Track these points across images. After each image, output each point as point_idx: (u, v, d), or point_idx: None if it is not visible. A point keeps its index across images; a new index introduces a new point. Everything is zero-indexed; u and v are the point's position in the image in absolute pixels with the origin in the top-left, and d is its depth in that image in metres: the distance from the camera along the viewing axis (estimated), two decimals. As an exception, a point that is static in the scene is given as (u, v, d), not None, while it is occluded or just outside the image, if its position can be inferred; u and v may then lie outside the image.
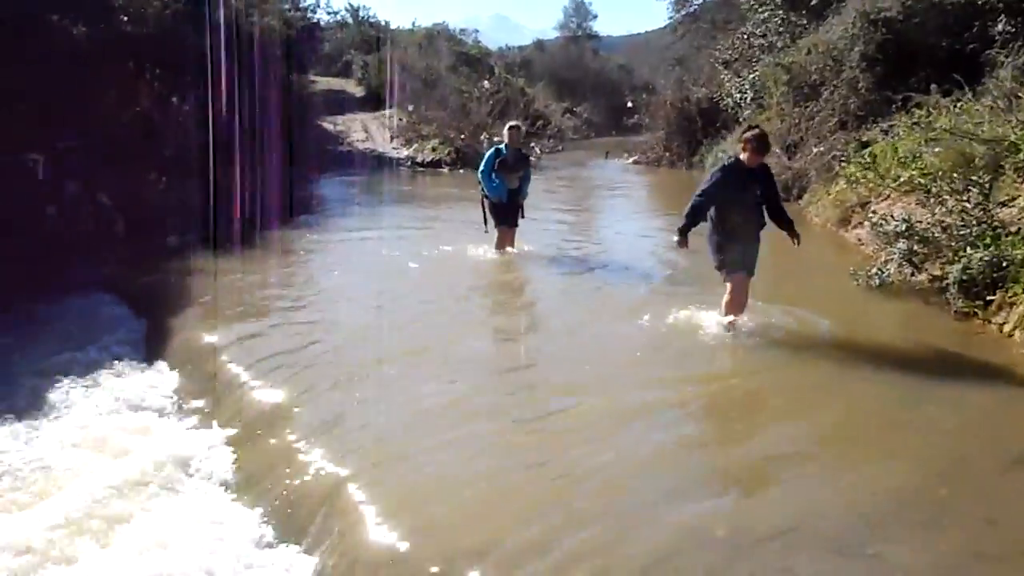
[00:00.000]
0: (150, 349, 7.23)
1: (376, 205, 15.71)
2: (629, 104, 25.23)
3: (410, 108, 25.37)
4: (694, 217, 6.32)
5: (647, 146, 22.84)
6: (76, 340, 7.25)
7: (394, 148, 24.25)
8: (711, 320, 6.54)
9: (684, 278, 8.45)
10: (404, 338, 6.68)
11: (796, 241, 6.48)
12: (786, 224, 6.53)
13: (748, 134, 6.36)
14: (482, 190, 9.37)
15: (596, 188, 18.98)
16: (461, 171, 21.57)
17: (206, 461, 5.08)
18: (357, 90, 30.96)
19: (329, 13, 39.65)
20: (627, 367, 5.98)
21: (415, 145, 23.70)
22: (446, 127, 23.28)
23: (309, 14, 29.83)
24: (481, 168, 9.31)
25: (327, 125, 25.40)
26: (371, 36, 38.16)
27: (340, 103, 28.27)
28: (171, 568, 3.86)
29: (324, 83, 31.12)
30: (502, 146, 9.29)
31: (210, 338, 6.91)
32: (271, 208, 12.47)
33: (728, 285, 6.40)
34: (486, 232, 9.49)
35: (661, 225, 11.93)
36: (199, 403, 6.01)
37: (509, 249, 9.50)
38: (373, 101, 28.17)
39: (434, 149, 23.01)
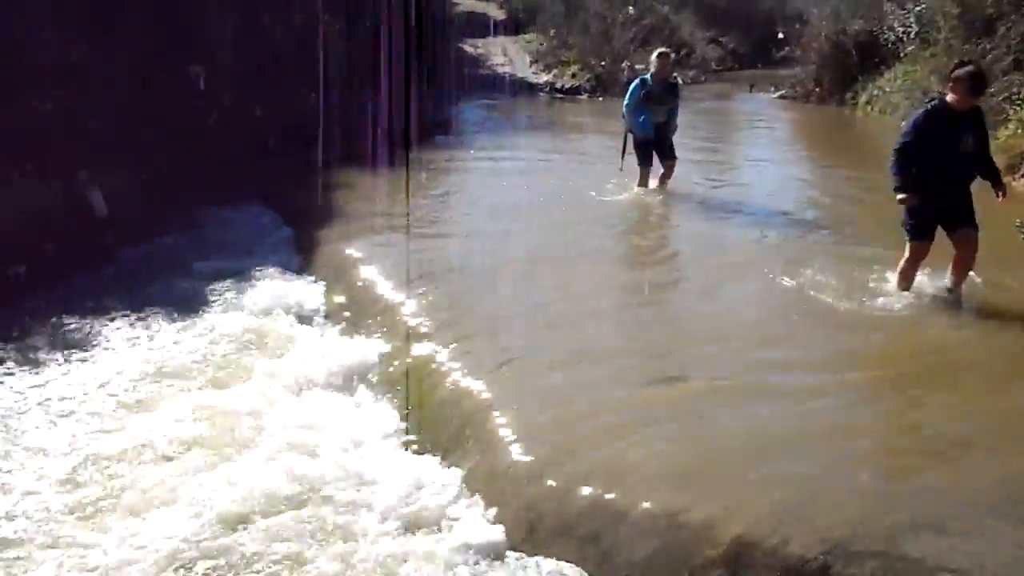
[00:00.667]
0: (299, 258, 7.57)
1: (515, 129, 15.71)
2: (780, 35, 24.05)
3: (551, 33, 25.03)
4: (902, 172, 5.42)
5: (796, 80, 21.80)
6: (232, 246, 7.71)
7: (533, 73, 24.06)
8: (881, 286, 5.82)
9: (849, 231, 7.66)
10: (534, 271, 6.70)
11: (1001, 195, 5.54)
12: (993, 175, 5.60)
13: (960, 71, 5.31)
14: (625, 125, 8.70)
15: (740, 122, 18.35)
16: (600, 99, 21.27)
17: (349, 367, 5.35)
18: (499, 13, 30.72)
19: (474, -66, 39.35)
20: (773, 342, 5.22)
21: (555, 71, 23.44)
22: (587, 53, 22.86)
23: (455, -65, 29.70)
24: (625, 101, 8.61)
25: (468, 48, 25.42)
26: (515, -42, 37.67)
27: (482, 26, 28.16)
28: (321, 467, 4.11)
29: (467, 5, 31.03)
30: (647, 76, 8.58)
31: (354, 251, 7.17)
32: (413, 127, 12.69)
33: (907, 250, 5.65)
34: (620, 170, 8.78)
35: (814, 168, 11.33)
36: (345, 313, 6.29)
37: (652, 186, 8.85)
38: (514, 25, 27.95)
39: (574, 75, 22.69)
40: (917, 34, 16.91)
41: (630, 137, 8.67)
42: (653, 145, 8.62)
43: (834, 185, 9.96)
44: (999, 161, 10.01)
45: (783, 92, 21.79)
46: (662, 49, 9.04)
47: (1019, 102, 10.88)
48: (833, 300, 5.69)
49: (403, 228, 7.64)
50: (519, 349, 5.05)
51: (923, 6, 16.47)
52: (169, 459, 4.26)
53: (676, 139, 8.95)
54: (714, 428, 4.07)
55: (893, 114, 16.21)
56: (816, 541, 3.15)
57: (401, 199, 8.70)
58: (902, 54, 18.43)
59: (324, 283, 6.86)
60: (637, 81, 8.58)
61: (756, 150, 12.90)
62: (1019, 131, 10.05)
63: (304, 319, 6.24)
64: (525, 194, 9.25)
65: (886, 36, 18.95)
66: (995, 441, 3.90)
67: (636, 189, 8.83)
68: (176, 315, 6.16)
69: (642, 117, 8.43)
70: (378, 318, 5.89)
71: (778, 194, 9.39)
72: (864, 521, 3.23)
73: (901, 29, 17.86)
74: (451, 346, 5.11)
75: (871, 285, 5.90)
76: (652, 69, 8.59)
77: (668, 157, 8.79)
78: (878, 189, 7.60)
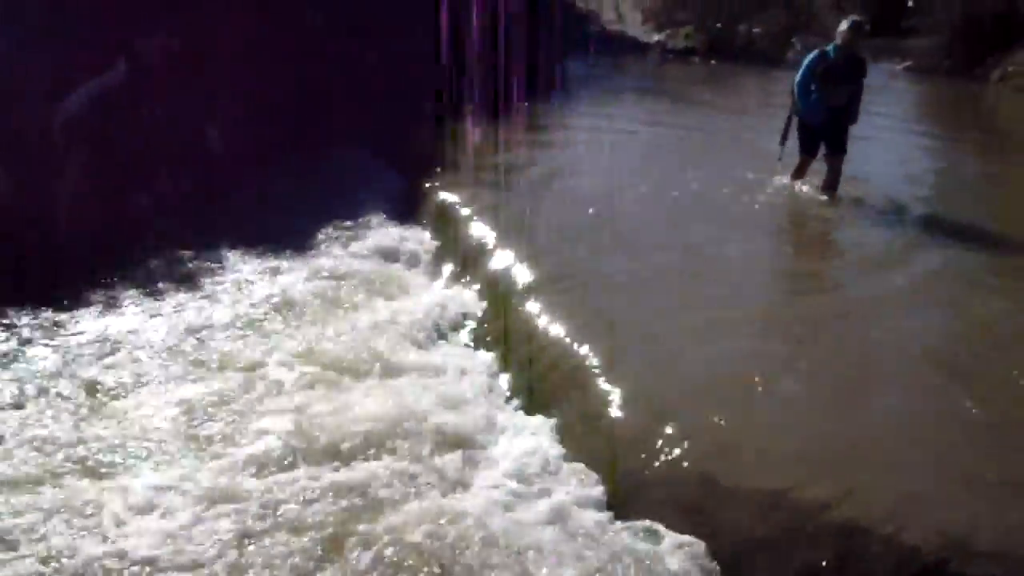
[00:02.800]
0: (407, 207, 7.65)
1: (624, 91, 15.43)
2: (909, 3, 22.89)
3: (665, -9, 24.45)
4: None
5: (924, 51, 20.77)
6: (343, 192, 7.82)
7: (645, 32, 23.60)
8: None
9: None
10: (652, 232, 6.59)
11: None
12: None
13: None
14: (793, 104, 7.29)
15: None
16: (713, 62, 20.71)
17: (455, 318, 5.43)
18: (612, -31, 30.18)
19: None
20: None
21: (667, 31, 22.93)
22: (702, 13, 22.26)
23: None
24: (798, 77, 7.13)
25: (579, 3, 25.05)
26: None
27: (594, -19, 27.71)
28: (431, 407, 4.17)
29: (579, -40, 30.51)
30: (830, 48, 7.03)
31: (459, 201, 7.20)
32: (520, 83, 12.62)
33: None
34: (779, 160, 7.49)
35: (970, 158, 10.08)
36: (447, 262, 6.35)
37: (806, 187, 7.45)
38: (628, -19, 27.39)
39: (687, 36, 22.15)
40: (1064, 6, 15.86)
41: (794, 120, 7.32)
42: (822, 134, 7.23)
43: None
44: None
45: (909, 63, 20.81)
46: (855, 17, 7.46)
47: None
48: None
49: (508, 184, 7.62)
50: (617, 303, 5.07)
51: (1073, -24, 15.39)
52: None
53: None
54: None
55: (1030, 91, 15.30)
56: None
57: (511, 153, 8.69)
58: (1044, 28, 17.35)
59: (430, 231, 6.94)
60: (816, 53, 7.14)
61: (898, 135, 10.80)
62: None
63: (413, 266, 6.32)
64: (636, 185, 7.99)
65: (1027, 8, 17.85)
66: None
67: (787, 181, 7.54)
68: (289, 255, 6.32)
69: (814, 97, 7.03)
70: (482, 269, 5.91)
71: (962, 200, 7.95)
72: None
73: (1045, 1, 16.78)
74: (555, 302, 5.08)
75: None
76: (839, 40, 7.03)
77: (837, 151, 7.28)
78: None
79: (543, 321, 4.93)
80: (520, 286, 5.43)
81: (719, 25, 21.67)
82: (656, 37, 22.95)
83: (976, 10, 19.56)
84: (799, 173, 7.49)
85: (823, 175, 7.36)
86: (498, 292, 5.53)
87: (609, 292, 5.28)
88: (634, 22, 24.55)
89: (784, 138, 7.42)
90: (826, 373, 4.22)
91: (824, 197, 7.26)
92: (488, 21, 13.66)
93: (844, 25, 7.10)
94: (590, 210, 6.77)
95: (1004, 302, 5.14)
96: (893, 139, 10.21)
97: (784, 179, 7.55)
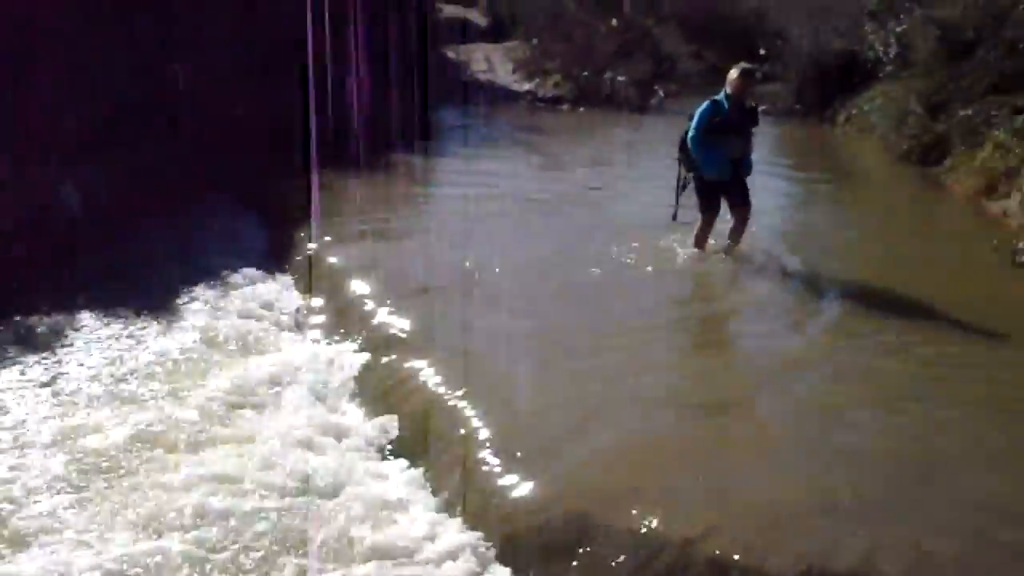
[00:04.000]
0: (275, 261, 7.49)
1: (496, 140, 15.63)
2: (761, 51, 24.22)
3: (534, 41, 25.07)
4: None
5: (777, 96, 21.98)
6: (210, 246, 7.59)
7: (515, 81, 24.08)
8: None
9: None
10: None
11: None
12: None
13: None
14: (681, 160, 6.77)
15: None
16: (581, 109, 21.32)
17: (325, 372, 5.29)
18: (482, 20, 30.77)
19: (459, -60, 39.47)
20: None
21: (537, 79, 23.47)
22: (570, 63, 22.92)
23: (440, -61, 29.74)
24: (691, 129, 6.54)
25: (450, 54, 25.39)
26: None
27: (464, 32, 28.18)
28: (296, 466, 4.03)
29: (449, 11, 31.01)
30: (721, 97, 6.56)
31: (330, 254, 7.10)
32: (393, 132, 12.64)
33: None
34: (674, 220, 6.96)
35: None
36: (320, 316, 6.22)
37: (709, 246, 6.93)
38: (497, 32, 27.98)
39: (556, 84, 22.72)
40: (897, 54, 17.11)
41: (689, 178, 6.77)
42: (724, 189, 6.74)
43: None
44: (976, 183, 10.26)
45: (764, 108, 21.92)
46: (745, 65, 6.85)
47: (994, 125, 11.01)
48: None
49: (382, 234, 7.57)
50: (493, 353, 5.02)
51: (904, 27, 16.66)
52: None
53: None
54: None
55: (872, 133, 16.36)
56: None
57: (381, 204, 8.64)
58: (881, 74, 18.66)
59: (302, 286, 6.79)
60: (708, 104, 6.60)
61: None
62: (996, 154, 10.15)
63: (281, 322, 6.15)
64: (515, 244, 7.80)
65: (866, 56, 19.17)
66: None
67: (689, 250, 6.92)
68: (151, 315, 6.05)
69: (714, 152, 6.53)
70: (356, 324, 5.81)
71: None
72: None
73: (881, 49, 18.07)
74: (429, 353, 5.04)
75: None
76: (729, 89, 6.56)
77: (740, 203, 6.82)
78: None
79: (417, 371, 4.88)
80: (394, 339, 5.37)
81: (586, 74, 22.35)
82: (526, 86, 23.43)
83: (822, 58, 20.91)
84: (704, 235, 6.93)
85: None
86: (372, 345, 5.45)
87: (487, 343, 5.28)
88: (504, 71, 25.03)
89: (679, 196, 6.92)
90: (695, 407, 4.33)
91: (724, 254, 6.91)
92: (359, 70, 13.68)
93: (734, 73, 6.66)
94: (466, 263, 6.79)
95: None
96: (765, 184, 10.73)
97: (677, 242, 7.07)
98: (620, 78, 21.83)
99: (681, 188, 6.89)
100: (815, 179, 12.26)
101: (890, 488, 3.66)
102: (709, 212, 6.84)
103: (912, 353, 5.26)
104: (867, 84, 19.53)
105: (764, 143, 16.87)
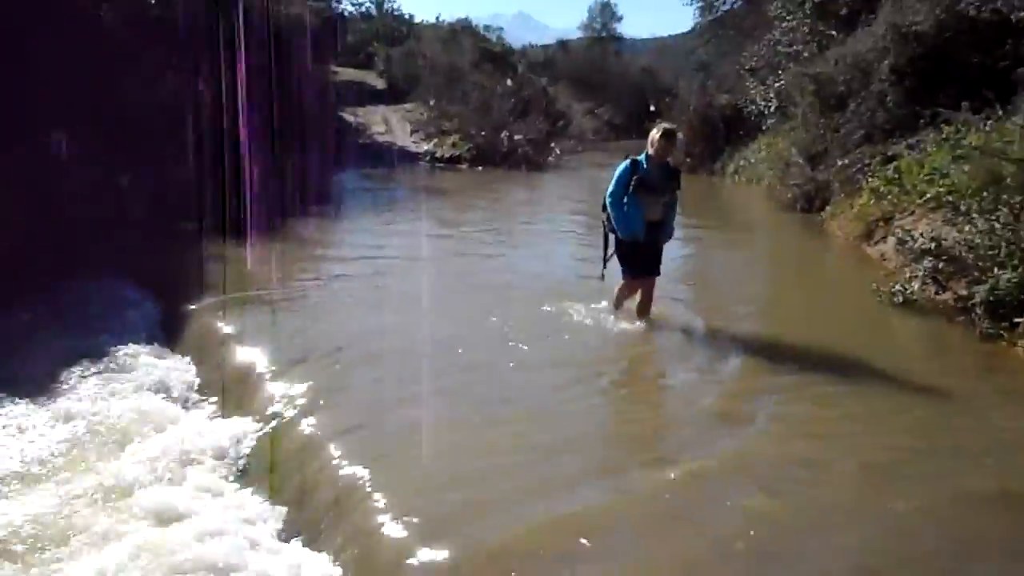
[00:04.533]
0: (166, 335, 7.22)
1: (396, 202, 15.63)
2: (652, 108, 25.10)
3: (431, 103, 25.38)
4: None
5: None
6: (94, 324, 7.26)
7: (414, 142, 24.27)
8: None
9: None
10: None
11: None
12: None
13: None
14: (606, 221, 6.71)
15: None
16: (480, 168, 21.59)
17: (219, 449, 5.08)
18: (379, 82, 31.02)
19: (354, 4, 39.94)
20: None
21: (435, 140, 23.71)
22: (467, 123, 23.26)
23: (334, 4, 29.97)
24: (610, 190, 6.52)
25: (348, 116, 25.45)
26: (395, 29, 38.29)
27: (362, 95, 28.32)
28: (186, 552, 3.84)
29: (347, 74, 31.18)
30: (641, 158, 6.48)
31: (224, 326, 6.90)
32: (289, 197, 12.50)
33: None
34: (601, 279, 6.93)
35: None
36: (212, 392, 6.00)
37: (625, 309, 6.88)
38: (395, 94, 28.24)
39: (454, 145, 23.01)
40: (777, 108, 17.96)
41: (612, 239, 6.71)
42: (639, 251, 6.62)
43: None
44: (855, 229, 10.76)
45: (627, 154, 22.65)
46: (666, 126, 6.71)
47: (868, 173, 11.61)
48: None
49: (275, 303, 7.41)
50: (392, 428, 4.91)
51: (782, 82, 17.50)
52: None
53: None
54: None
55: (759, 183, 17.04)
56: None
57: (276, 273, 8.47)
58: (764, 127, 19.54)
59: (193, 360, 6.56)
60: (627, 163, 6.51)
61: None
62: (872, 201, 10.67)
63: (171, 399, 5.90)
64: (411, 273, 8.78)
65: (749, 109, 20.07)
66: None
67: (612, 313, 6.88)
68: (30, 397, 5.72)
69: (632, 211, 6.46)
70: (249, 397, 5.63)
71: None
72: None
73: (763, 103, 18.95)
74: (327, 427, 4.91)
75: None
76: (650, 150, 6.48)
77: (648, 272, 6.76)
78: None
79: (312, 446, 4.74)
80: (288, 412, 5.22)
81: (483, 133, 22.69)
82: (425, 147, 23.65)
83: (709, 112, 21.77)
84: (623, 295, 6.87)
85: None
86: (265, 420, 5.27)
87: (380, 410, 5.18)
88: (403, 133, 25.20)
89: (605, 259, 6.81)
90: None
91: (640, 323, 6.77)
92: (254, 135, 13.51)
93: (656, 134, 6.48)
94: (358, 330, 6.69)
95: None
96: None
97: (605, 305, 6.97)
98: (517, 136, 22.28)
99: (606, 250, 6.79)
100: (710, 228, 12.67)
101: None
102: (630, 274, 6.74)
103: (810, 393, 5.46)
104: (752, 136, 20.47)
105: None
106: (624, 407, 5.58)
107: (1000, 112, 9.79)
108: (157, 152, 11.31)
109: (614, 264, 6.83)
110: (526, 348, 6.29)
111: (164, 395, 5.98)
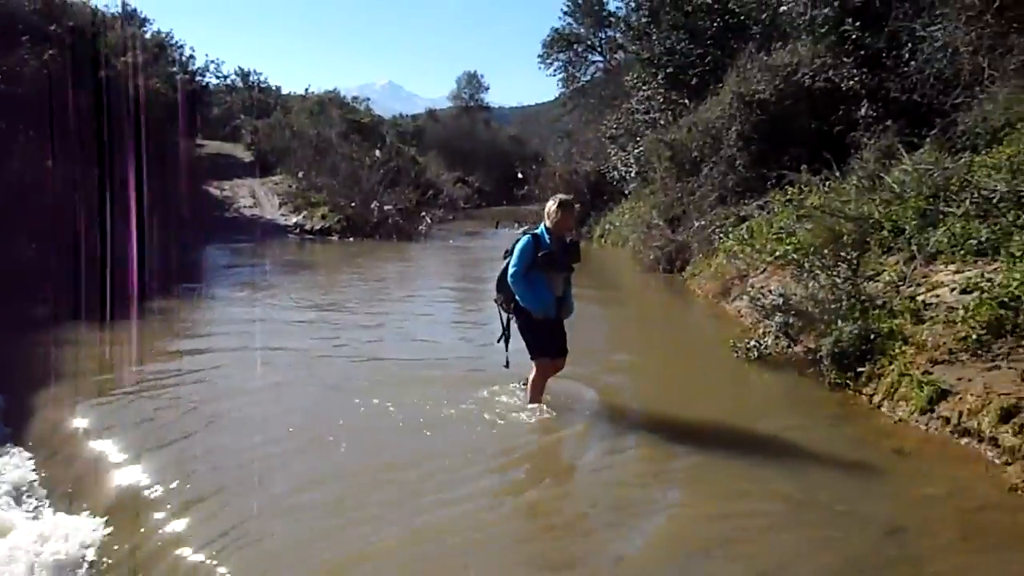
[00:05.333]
0: (10, 428, 6.75)
1: (263, 275, 15.25)
2: (519, 174, 25.69)
3: (300, 175, 25.15)
4: None
5: (537, 216, 23.23)
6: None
7: (282, 215, 23.93)
8: None
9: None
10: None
11: None
12: None
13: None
14: (502, 303, 6.31)
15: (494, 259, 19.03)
16: (351, 239, 21.45)
17: (65, 548, 4.75)
18: (246, 155, 30.53)
19: (218, 77, 39.42)
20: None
21: (304, 212, 23.45)
22: (336, 195, 23.14)
23: (198, 77, 29.51)
24: (512, 266, 6.05)
25: (214, 190, 24.93)
26: (261, 101, 37.95)
27: (228, 168, 27.82)
28: None
29: (212, 147, 30.64)
30: (540, 230, 6.12)
31: (73, 419, 6.52)
32: (150, 277, 12.04)
33: None
34: (506, 367, 6.39)
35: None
36: (61, 488, 5.63)
37: (544, 402, 6.29)
38: (263, 166, 27.83)
39: (324, 217, 22.82)
40: (637, 173, 18.73)
41: (518, 319, 6.23)
42: (550, 329, 6.18)
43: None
44: (713, 287, 11.23)
45: (526, 228, 23.06)
46: (563, 197, 6.26)
47: (723, 233, 12.20)
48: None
49: (131, 393, 7.06)
50: (248, 525, 4.69)
51: (640, 149, 18.29)
52: None
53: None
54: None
55: (624, 245, 17.58)
56: None
57: (130, 359, 8.09)
58: (626, 191, 20.30)
59: (38, 456, 6.14)
60: (528, 238, 6.07)
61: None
62: (727, 260, 11.18)
63: (13, 499, 5.50)
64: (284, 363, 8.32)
65: (612, 175, 20.84)
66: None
67: (529, 405, 6.27)
68: None
69: (539, 288, 6.04)
70: (98, 493, 5.31)
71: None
72: None
73: (624, 169, 19.72)
74: (182, 524, 4.67)
75: None
76: (549, 222, 6.09)
77: (558, 353, 6.33)
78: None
79: (169, 543, 4.50)
80: (141, 508, 4.94)
81: (353, 204, 22.61)
82: (294, 219, 23.33)
83: (574, 179, 22.45)
84: (538, 388, 6.30)
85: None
86: (114, 514, 4.98)
87: (236, 505, 4.97)
88: (271, 205, 24.81)
89: (506, 341, 6.34)
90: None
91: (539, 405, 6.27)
92: (114, 212, 13.02)
93: (552, 205, 6.10)
94: (216, 422, 6.42)
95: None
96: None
97: (518, 388, 6.55)
98: (387, 207, 22.29)
99: (506, 331, 6.35)
100: (582, 287, 12.79)
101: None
102: (543, 355, 6.23)
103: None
104: (616, 201, 21.21)
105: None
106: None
107: (837, 173, 10.51)
108: (5, 233, 10.74)
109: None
110: (404, 426, 6.18)
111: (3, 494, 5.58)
